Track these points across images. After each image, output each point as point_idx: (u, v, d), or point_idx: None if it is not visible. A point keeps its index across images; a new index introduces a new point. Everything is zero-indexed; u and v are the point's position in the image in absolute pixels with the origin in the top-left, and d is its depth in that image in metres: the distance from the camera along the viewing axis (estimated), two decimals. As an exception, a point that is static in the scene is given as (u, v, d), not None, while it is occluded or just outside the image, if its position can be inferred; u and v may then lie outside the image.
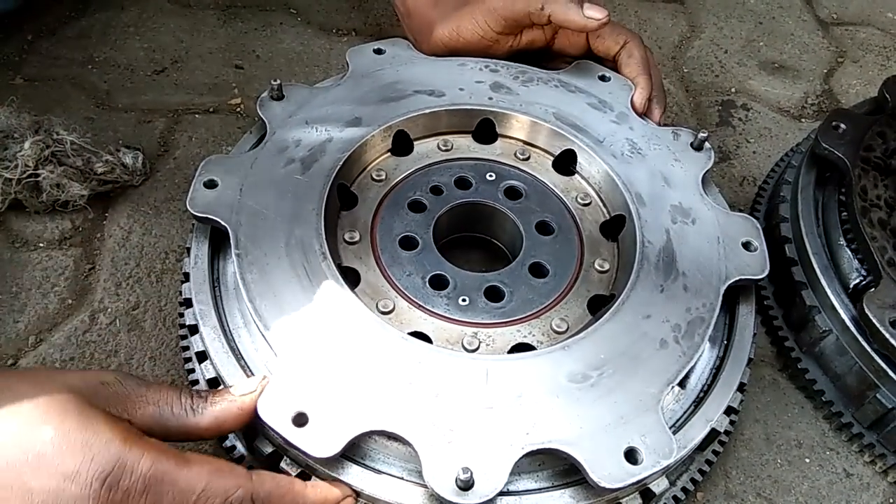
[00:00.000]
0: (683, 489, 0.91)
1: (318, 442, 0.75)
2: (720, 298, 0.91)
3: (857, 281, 1.02)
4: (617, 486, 0.75)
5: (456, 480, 0.72)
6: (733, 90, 1.52)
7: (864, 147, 1.10)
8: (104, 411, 0.70)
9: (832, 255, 1.05)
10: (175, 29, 1.49)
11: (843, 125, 1.12)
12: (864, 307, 0.94)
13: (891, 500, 1.00)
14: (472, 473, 0.72)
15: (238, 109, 1.36)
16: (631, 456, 0.77)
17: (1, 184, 1.09)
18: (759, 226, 0.99)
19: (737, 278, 0.93)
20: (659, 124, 1.13)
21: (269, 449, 0.82)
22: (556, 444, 0.77)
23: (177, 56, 1.44)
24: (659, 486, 0.84)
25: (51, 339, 1.04)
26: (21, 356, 1.03)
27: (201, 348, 0.87)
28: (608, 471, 0.75)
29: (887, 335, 0.92)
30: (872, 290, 0.96)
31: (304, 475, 0.81)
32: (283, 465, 0.82)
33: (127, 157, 1.19)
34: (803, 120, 1.48)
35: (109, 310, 1.08)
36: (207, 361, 0.87)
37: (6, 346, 1.03)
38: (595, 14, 1.05)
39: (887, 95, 1.19)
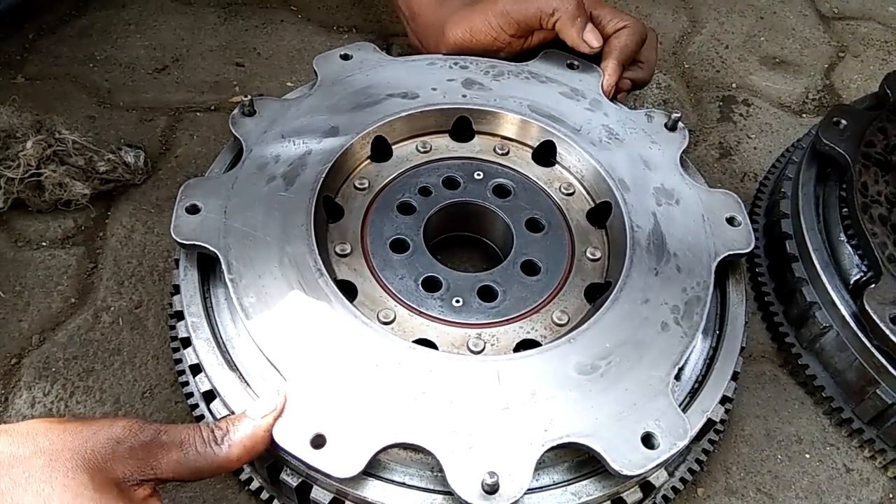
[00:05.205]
0: (682, 479, 0.92)
1: (340, 462, 0.74)
2: (713, 275, 0.92)
3: (858, 277, 1.02)
4: (638, 473, 0.76)
5: (482, 485, 0.72)
6: (734, 85, 1.52)
7: (864, 143, 1.10)
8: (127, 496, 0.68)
9: (833, 252, 1.05)
10: (176, 27, 1.49)
11: (843, 121, 1.12)
12: (865, 303, 0.94)
13: (891, 496, 1.00)
14: (497, 477, 0.72)
15: (239, 107, 1.37)
16: (648, 441, 0.78)
17: (3, 183, 1.10)
18: (739, 200, 1.00)
19: (726, 254, 0.95)
20: (608, 95, 1.12)
21: (295, 481, 0.81)
22: (575, 438, 0.77)
23: (178, 54, 1.44)
24: (658, 478, 0.84)
25: (54, 338, 1.05)
26: (25, 355, 1.03)
27: (208, 388, 0.86)
28: (628, 458, 0.76)
29: (887, 331, 0.92)
30: (873, 286, 0.96)
31: (338, 502, 0.80)
32: (314, 495, 0.80)
33: (129, 155, 1.19)
34: (804, 115, 1.48)
35: (112, 308, 1.09)
36: (217, 400, 0.85)
37: (10, 344, 1.04)
38: (592, 41, 1.13)
39: (888, 91, 1.19)
